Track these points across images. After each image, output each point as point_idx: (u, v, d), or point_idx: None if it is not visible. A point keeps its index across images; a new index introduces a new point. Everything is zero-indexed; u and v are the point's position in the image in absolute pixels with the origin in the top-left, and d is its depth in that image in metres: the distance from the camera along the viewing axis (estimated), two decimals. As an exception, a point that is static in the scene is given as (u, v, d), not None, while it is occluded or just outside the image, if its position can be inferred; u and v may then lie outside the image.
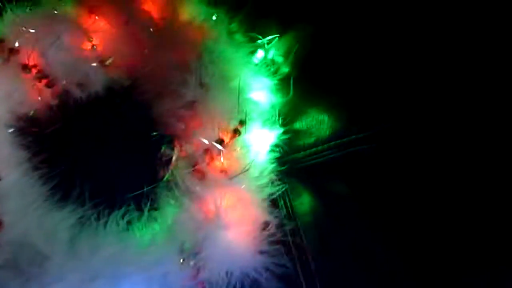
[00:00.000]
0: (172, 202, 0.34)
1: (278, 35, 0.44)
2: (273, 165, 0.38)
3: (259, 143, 0.38)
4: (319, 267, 0.37)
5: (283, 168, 0.39)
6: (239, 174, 0.34)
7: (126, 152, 0.38)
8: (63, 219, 0.30)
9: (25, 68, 0.36)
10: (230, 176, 0.34)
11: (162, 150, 0.39)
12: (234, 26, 0.44)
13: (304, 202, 0.40)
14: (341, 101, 0.41)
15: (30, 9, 0.39)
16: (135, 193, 0.35)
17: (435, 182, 0.39)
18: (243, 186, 0.34)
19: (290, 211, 0.39)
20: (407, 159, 0.39)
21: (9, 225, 0.29)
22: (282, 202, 0.38)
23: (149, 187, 0.36)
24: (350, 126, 0.41)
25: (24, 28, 0.37)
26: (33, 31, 0.37)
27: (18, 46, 0.37)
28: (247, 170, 0.35)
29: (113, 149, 0.38)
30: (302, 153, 0.41)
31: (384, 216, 0.39)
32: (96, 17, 0.41)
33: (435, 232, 0.38)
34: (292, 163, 0.40)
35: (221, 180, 0.34)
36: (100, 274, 0.28)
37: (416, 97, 0.40)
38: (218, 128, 0.37)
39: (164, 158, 0.38)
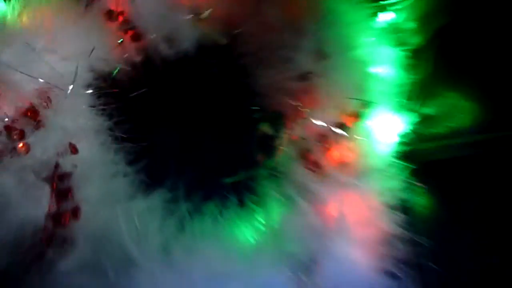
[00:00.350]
0: (280, 198, 0.27)
1: None
2: (400, 159, 0.30)
3: (385, 131, 0.30)
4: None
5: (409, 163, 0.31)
6: (364, 171, 0.27)
7: (221, 129, 0.31)
8: (153, 211, 0.24)
9: (110, 14, 0.29)
10: (352, 173, 0.27)
11: (265, 129, 0.31)
12: None
13: (429, 207, 0.32)
14: (489, 87, 0.32)
15: None
16: (232, 180, 0.29)
17: None
18: (368, 188, 0.27)
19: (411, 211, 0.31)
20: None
21: (88, 215, 0.23)
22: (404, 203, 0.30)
23: (247, 175, 0.29)
24: (497, 120, 0.32)
25: None
26: None
27: None
28: (373, 167, 0.27)
29: (205, 124, 0.31)
30: (431, 144, 0.33)
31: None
32: None
33: None
34: (418, 156, 0.32)
35: (342, 177, 0.27)
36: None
37: None
38: (339, 109, 0.29)
39: (267, 141, 0.31)
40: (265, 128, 0.32)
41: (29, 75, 0.26)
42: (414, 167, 0.31)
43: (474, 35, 0.34)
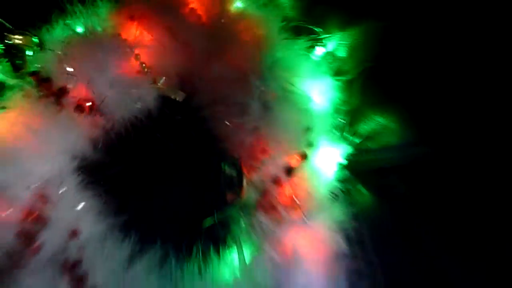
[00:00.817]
0: (245, 239, 0.34)
1: (340, 27, 0.39)
2: (341, 184, 0.37)
3: (327, 163, 0.37)
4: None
5: (349, 176, 0.38)
6: (312, 212, 0.34)
7: (192, 181, 0.37)
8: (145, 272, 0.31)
9: (79, 108, 0.34)
10: (303, 213, 0.34)
11: (226, 170, 0.38)
12: (290, 16, 0.39)
13: (370, 210, 0.40)
14: (408, 108, 0.38)
15: (68, 36, 0.35)
16: (207, 224, 0.36)
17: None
18: (316, 221, 0.34)
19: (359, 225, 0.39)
20: (461, 169, 0.39)
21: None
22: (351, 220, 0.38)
23: (219, 217, 0.36)
24: (414, 134, 0.39)
25: (69, 63, 0.34)
26: (77, 62, 0.34)
27: (66, 83, 0.34)
28: (320, 205, 0.34)
29: (177, 180, 0.37)
30: (365, 157, 0.40)
31: (440, 215, 0.40)
32: (138, 29, 0.37)
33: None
34: (357, 167, 0.39)
35: (295, 219, 0.34)
36: None
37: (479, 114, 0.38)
38: (285, 154, 0.35)
39: (229, 181, 0.37)
40: (228, 170, 0.38)
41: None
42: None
43: (398, 62, 0.39)
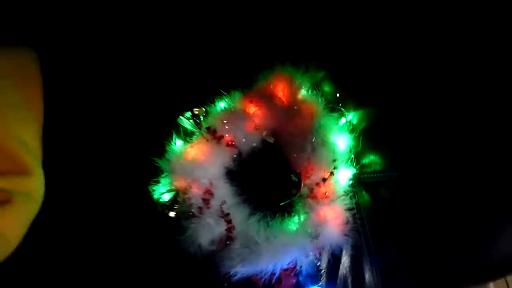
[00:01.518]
0: (302, 211, 0.73)
1: (354, 109, 0.78)
2: (350, 187, 0.75)
3: (343, 177, 0.75)
4: (375, 240, 0.76)
5: (355, 184, 0.76)
6: (335, 198, 0.73)
7: (277, 182, 0.77)
8: (258, 225, 0.71)
9: (228, 144, 0.74)
10: (330, 199, 0.73)
11: (293, 178, 0.77)
12: (329, 102, 0.78)
13: (366, 200, 0.78)
14: (387, 151, 0.77)
15: (222, 109, 0.76)
16: (284, 202, 0.75)
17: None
18: (336, 203, 0.73)
19: (359, 208, 0.77)
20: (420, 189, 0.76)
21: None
22: (354, 206, 0.76)
23: (288, 200, 0.75)
24: (391, 165, 0.77)
25: (222, 121, 0.74)
26: (225, 122, 0.75)
27: (222, 133, 0.74)
28: (338, 195, 0.73)
29: (270, 181, 0.77)
30: (365, 175, 0.78)
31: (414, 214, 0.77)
32: (253, 107, 0.77)
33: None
34: (359, 179, 0.78)
35: (325, 201, 0.73)
36: (278, 250, 0.69)
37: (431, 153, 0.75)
38: (322, 171, 0.74)
39: (294, 183, 0.76)
40: (294, 178, 0.77)
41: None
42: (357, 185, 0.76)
43: (382, 128, 0.78)
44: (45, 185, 0.69)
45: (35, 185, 0.69)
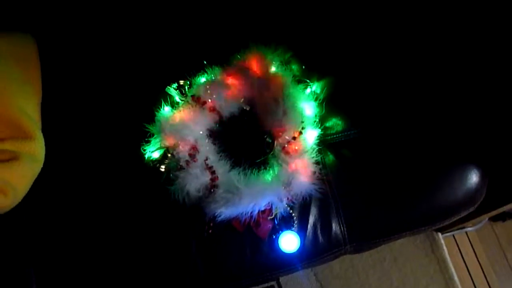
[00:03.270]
0: (276, 164, 0.85)
1: (317, 80, 0.92)
2: (316, 145, 0.88)
3: (310, 136, 0.88)
4: (339, 190, 0.88)
5: (320, 145, 0.89)
6: (303, 153, 0.85)
7: (253, 142, 0.88)
8: (239, 176, 0.82)
9: (210, 108, 0.86)
10: (300, 154, 0.85)
11: (267, 139, 0.89)
12: (296, 75, 0.92)
13: (330, 159, 0.90)
14: (346, 114, 0.90)
15: (205, 81, 0.88)
16: (260, 159, 0.86)
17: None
18: (305, 157, 0.85)
19: (324, 164, 0.89)
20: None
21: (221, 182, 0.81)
22: (320, 161, 0.88)
23: (265, 157, 0.87)
24: (350, 126, 0.90)
25: (206, 89, 0.86)
26: (208, 91, 0.87)
27: (205, 100, 0.86)
28: (306, 151, 0.85)
29: (247, 141, 0.89)
30: (329, 137, 0.91)
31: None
32: (233, 79, 0.89)
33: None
34: (324, 142, 0.90)
35: (295, 155, 0.84)
36: (256, 194, 0.80)
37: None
38: (292, 131, 0.86)
39: (268, 143, 0.88)
40: (267, 138, 0.89)
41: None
42: (321, 145, 0.89)
43: (342, 94, 0.91)
44: (46, 148, 0.79)
45: (37, 148, 0.79)
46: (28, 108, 0.82)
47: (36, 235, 0.82)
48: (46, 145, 0.79)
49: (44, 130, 0.80)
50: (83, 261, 0.79)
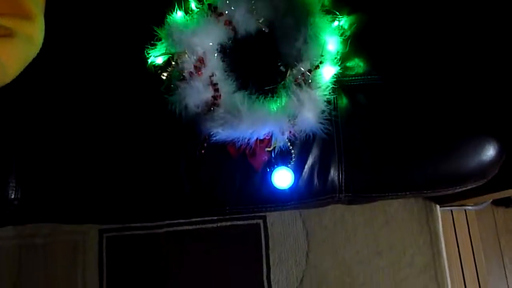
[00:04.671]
0: (285, 95, 0.79)
1: (347, 14, 0.84)
2: (331, 83, 0.81)
3: (327, 73, 0.81)
4: (345, 136, 0.82)
5: (336, 84, 0.82)
6: (316, 88, 0.78)
7: (265, 67, 0.82)
8: (243, 99, 0.76)
9: (226, 22, 0.79)
10: (312, 88, 0.78)
11: (280, 67, 0.82)
12: (326, 5, 0.84)
13: (343, 102, 0.84)
14: (370, 57, 0.83)
15: None
16: (269, 87, 0.80)
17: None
18: (317, 93, 0.78)
19: (336, 105, 0.83)
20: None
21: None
22: (332, 101, 0.82)
23: (274, 86, 0.80)
24: (372, 70, 0.83)
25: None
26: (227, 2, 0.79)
27: (223, 12, 0.79)
28: (320, 87, 0.78)
29: (259, 65, 0.82)
30: (347, 78, 0.84)
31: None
32: None
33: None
34: (340, 82, 0.84)
35: (307, 89, 0.78)
36: (257, 121, 0.75)
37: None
38: (309, 63, 0.80)
39: (281, 72, 0.82)
40: (282, 66, 0.82)
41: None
42: (337, 85, 0.82)
43: (369, 34, 0.83)
44: (46, 34, 0.72)
45: (35, 30, 0.73)
46: (33, -12, 0.76)
47: (23, 120, 0.77)
48: (47, 32, 0.73)
49: (47, 16, 0.73)
50: (67, 156, 0.76)
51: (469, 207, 1.26)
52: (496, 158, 0.80)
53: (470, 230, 1.29)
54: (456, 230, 1.28)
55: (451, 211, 1.27)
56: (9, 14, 0.71)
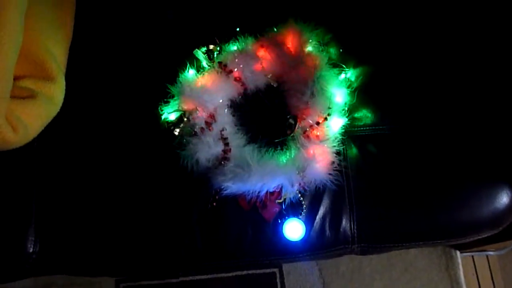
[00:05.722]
0: (294, 148, 0.80)
1: (353, 67, 0.86)
2: (340, 135, 0.82)
3: (336, 124, 0.82)
4: (356, 186, 0.83)
5: (345, 135, 0.84)
6: (325, 140, 0.80)
7: (274, 121, 0.84)
8: (253, 152, 0.78)
9: (235, 79, 0.82)
10: (320, 140, 0.80)
11: (289, 120, 0.84)
12: (332, 59, 0.86)
13: (353, 152, 0.85)
14: (378, 108, 0.84)
15: (235, 49, 0.83)
16: (278, 140, 0.82)
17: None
18: (326, 145, 0.80)
19: (345, 156, 0.84)
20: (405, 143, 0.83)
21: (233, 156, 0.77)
22: (342, 152, 0.83)
23: (282, 138, 0.82)
24: (381, 120, 0.85)
25: (234, 57, 0.82)
26: (237, 59, 0.82)
27: (232, 68, 0.82)
28: (328, 139, 0.80)
29: (268, 119, 0.84)
30: (356, 129, 0.86)
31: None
32: (264, 52, 0.85)
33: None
34: (349, 133, 0.85)
35: (316, 141, 0.80)
36: (267, 174, 0.76)
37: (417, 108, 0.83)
38: (317, 116, 0.81)
39: (290, 125, 0.84)
40: (291, 119, 0.84)
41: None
42: (346, 136, 0.83)
43: (374, 85, 0.85)
44: (66, 94, 0.77)
45: (56, 90, 0.77)
46: (55, 50, 0.81)
47: (43, 175, 0.80)
48: (66, 91, 0.77)
49: (68, 77, 0.77)
50: (84, 209, 0.78)
51: (491, 252, 1.23)
52: (510, 206, 0.79)
53: (493, 277, 1.25)
54: (479, 277, 1.24)
55: (472, 256, 1.24)
56: (32, 75, 0.76)
